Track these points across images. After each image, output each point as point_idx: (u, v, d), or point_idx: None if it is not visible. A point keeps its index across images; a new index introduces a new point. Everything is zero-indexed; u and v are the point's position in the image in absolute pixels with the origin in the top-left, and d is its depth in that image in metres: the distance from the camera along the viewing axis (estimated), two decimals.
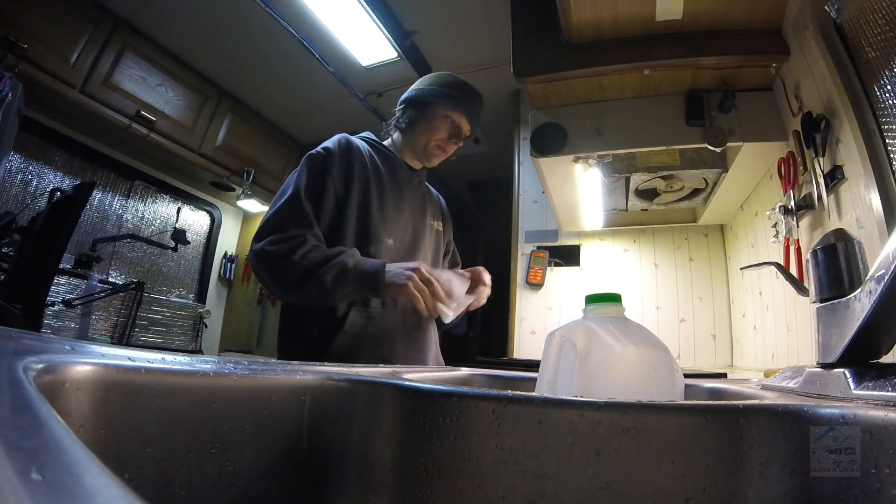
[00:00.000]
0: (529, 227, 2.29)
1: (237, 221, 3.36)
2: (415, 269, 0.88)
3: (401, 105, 1.14)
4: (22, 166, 2.23)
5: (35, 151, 2.27)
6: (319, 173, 0.99)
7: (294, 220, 0.93)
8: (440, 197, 1.27)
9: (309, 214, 0.94)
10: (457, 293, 0.93)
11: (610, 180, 1.62)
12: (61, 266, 2.16)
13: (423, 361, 1.06)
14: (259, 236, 0.93)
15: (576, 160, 1.52)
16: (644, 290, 2.10)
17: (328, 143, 1.04)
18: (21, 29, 1.84)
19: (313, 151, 1.02)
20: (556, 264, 2.21)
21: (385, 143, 1.16)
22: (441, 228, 1.20)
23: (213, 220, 3.19)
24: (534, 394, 0.38)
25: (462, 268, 1.10)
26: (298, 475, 0.33)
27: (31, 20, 1.89)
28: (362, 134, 1.15)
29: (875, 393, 0.31)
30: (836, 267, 0.41)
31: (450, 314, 0.91)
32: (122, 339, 2.51)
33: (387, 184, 1.07)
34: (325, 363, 0.52)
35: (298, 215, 0.93)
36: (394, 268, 0.89)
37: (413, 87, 1.15)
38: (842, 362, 0.37)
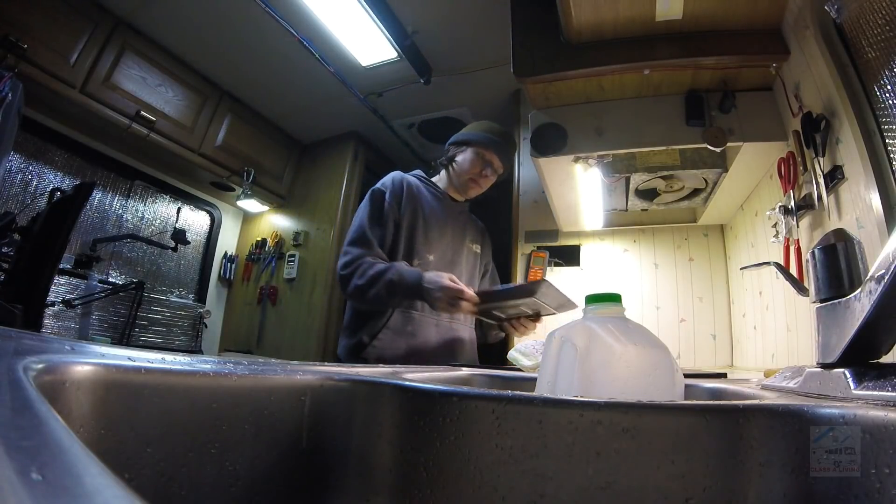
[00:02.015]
0: (529, 227, 2.29)
1: (237, 221, 3.36)
2: (443, 287, 1.09)
3: (447, 146, 1.40)
4: (22, 166, 2.23)
5: (35, 151, 2.27)
6: (379, 204, 1.26)
7: (359, 245, 1.20)
8: (481, 225, 1.52)
9: (371, 240, 1.21)
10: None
11: (610, 180, 1.62)
12: (61, 266, 2.16)
13: (454, 358, 1.27)
14: (340, 262, 1.23)
15: (576, 160, 1.52)
16: (644, 290, 2.10)
17: (385, 179, 1.32)
18: (21, 29, 1.84)
19: (374, 188, 1.30)
20: (556, 264, 2.21)
21: (433, 178, 1.42)
22: (479, 251, 1.44)
23: (213, 220, 3.19)
24: (534, 394, 0.38)
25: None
26: (298, 475, 0.33)
27: (31, 20, 1.89)
28: (414, 172, 1.41)
29: (875, 393, 0.31)
30: (836, 267, 0.41)
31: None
32: (122, 339, 2.51)
33: (433, 211, 1.31)
34: (326, 363, 0.52)
35: (363, 242, 1.21)
36: (427, 280, 1.11)
37: (459, 132, 1.41)
38: (842, 362, 0.37)
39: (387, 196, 1.26)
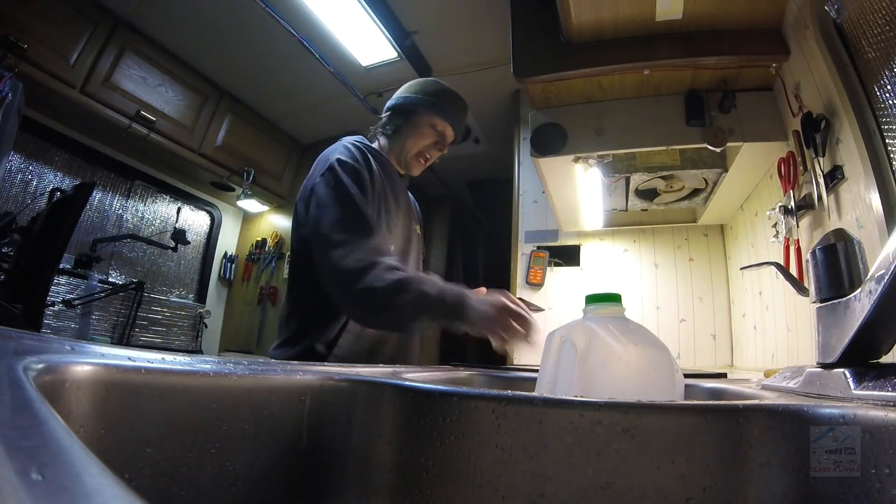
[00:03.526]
0: (529, 227, 2.29)
1: (237, 221, 3.36)
2: (503, 309, 0.81)
3: (386, 112, 1.15)
4: (22, 166, 2.23)
5: (35, 151, 2.27)
6: (362, 183, 0.97)
7: (363, 233, 0.90)
8: (416, 203, 1.28)
9: (371, 220, 0.92)
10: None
11: (610, 180, 1.62)
12: (61, 266, 2.16)
13: (410, 358, 1.11)
14: (331, 248, 0.88)
15: (576, 160, 1.52)
16: (644, 290, 2.10)
17: (352, 151, 1.03)
18: (21, 29, 1.84)
19: (345, 160, 0.99)
20: (556, 264, 2.21)
21: (374, 146, 1.16)
22: (420, 233, 1.22)
23: (213, 220, 3.19)
24: (534, 394, 0.38)
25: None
26: (298, 475, 0.33)
27: (31, 20, 1.89)
28: (356, 138, 1.13)
29: (875, 393, 0.31)
30: (836, 267, 0.41)
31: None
32: (122, 339, 2.51)
33: (388, 191, 1.08)
34: (325, 363, 0.52)
35: (364, 228, 0.90)
36: (477, 304, 0.82)
37: (398, 93, 1.16)
38: (842, 362, 0.37)
39: (364, 173, 0.99)
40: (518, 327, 0.79)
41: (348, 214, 0.91)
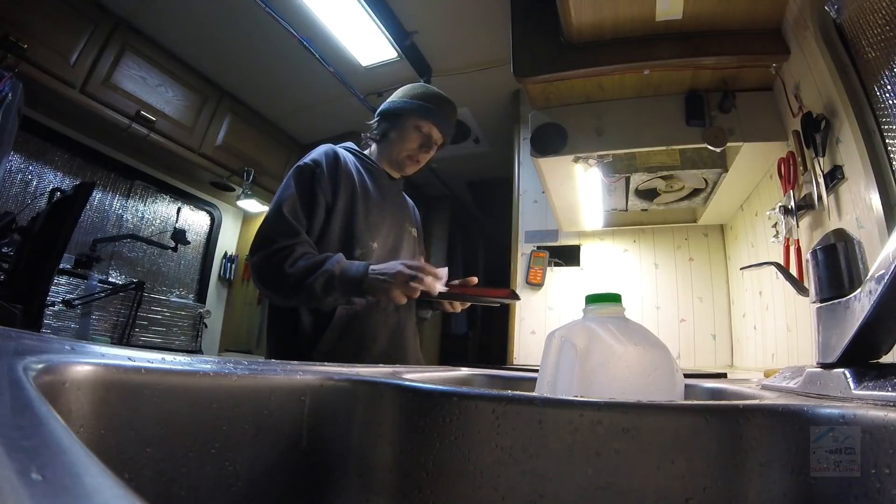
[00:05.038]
0: (529, 227, 2.29)
1: (237, 221, 3.36)
2: (397, 272, 0.92)
3: (376, 118, 1.21)
4: (22, 166, 2.23)
5: (35, 151, 2.27)
6: (308, 184, 1.04)
7: (280, 232, 0.99)
8: (415, 208, 1.33)
9: (293, 225, 1.00)
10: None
11: (610, 180, 1.62)
12: (61, 266, 2.16)
13: (403, 355, 1.11)
14: (252, 250, 1.00)
15: (576, 160, 1.52)
16: (644, 290, 2.10)
17: (315, 156, 1.09)
18: (21, 29, 1.84)
19: (301, 163, 1.07)
20: (556, 264, 2.21)
21: (365, 153, 1.22)
22: (416, 236, 1.27)
23: (213, 220, 3.19)
24: (534, 394, 0.38)
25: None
26: (298, 475, 0.33)
27: (31, 20, 1.89)
28: (345, 144, 1.20)
29: (875, 393, 0.31)
30: (836, 267, 0.41)
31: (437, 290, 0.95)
32: (122, 339, 2.51)
33: (371, 192, 1.13)
34: (325, 363, 0.52)
35: (283, 227, 0.99)
36: (377, 270, 0.94)
37: (388, 99, 1.21)
38: (842, 362, 0.37)
39: (318, 174, 1.05)
40: (416, 281, 0.90)
41: (276, 222, 1.00)
